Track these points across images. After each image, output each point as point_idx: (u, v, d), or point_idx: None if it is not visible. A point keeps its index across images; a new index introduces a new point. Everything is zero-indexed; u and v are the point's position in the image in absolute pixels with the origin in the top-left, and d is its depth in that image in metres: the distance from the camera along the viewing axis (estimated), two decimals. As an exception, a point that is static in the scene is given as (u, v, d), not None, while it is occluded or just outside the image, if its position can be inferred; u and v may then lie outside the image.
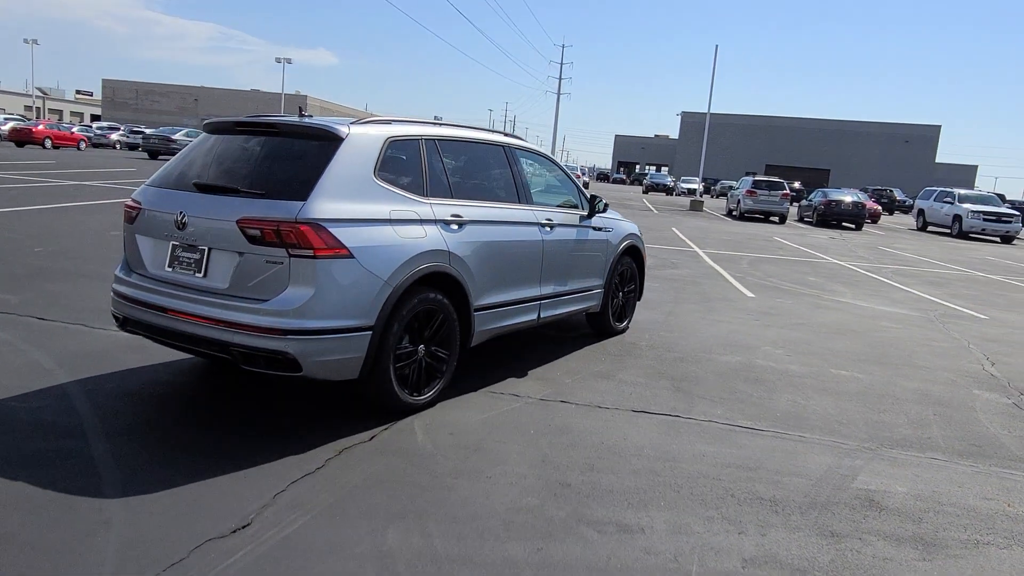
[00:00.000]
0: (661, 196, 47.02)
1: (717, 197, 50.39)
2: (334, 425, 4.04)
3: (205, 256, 3.83)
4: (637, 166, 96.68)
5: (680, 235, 18.29)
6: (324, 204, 3.71)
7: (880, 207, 35.86)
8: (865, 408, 5.06)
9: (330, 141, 3.95)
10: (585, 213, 5.95)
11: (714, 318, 7.88)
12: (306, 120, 4.15)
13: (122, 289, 4.16)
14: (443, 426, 4.14)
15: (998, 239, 27.29)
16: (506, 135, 5.47)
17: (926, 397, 5.44)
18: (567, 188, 5.97)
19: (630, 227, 6.75)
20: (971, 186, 57.43)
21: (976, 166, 76.04)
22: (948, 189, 30.49)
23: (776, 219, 28.71)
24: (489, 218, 4.76)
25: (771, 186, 28.67)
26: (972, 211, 27.29)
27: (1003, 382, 6.05)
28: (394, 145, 4.25)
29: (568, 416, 4.45)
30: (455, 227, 4.43)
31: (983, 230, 27.11)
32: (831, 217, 28.12)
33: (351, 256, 3.73)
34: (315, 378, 3.75)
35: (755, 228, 23.60)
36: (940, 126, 66.93)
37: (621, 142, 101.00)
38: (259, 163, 4.04)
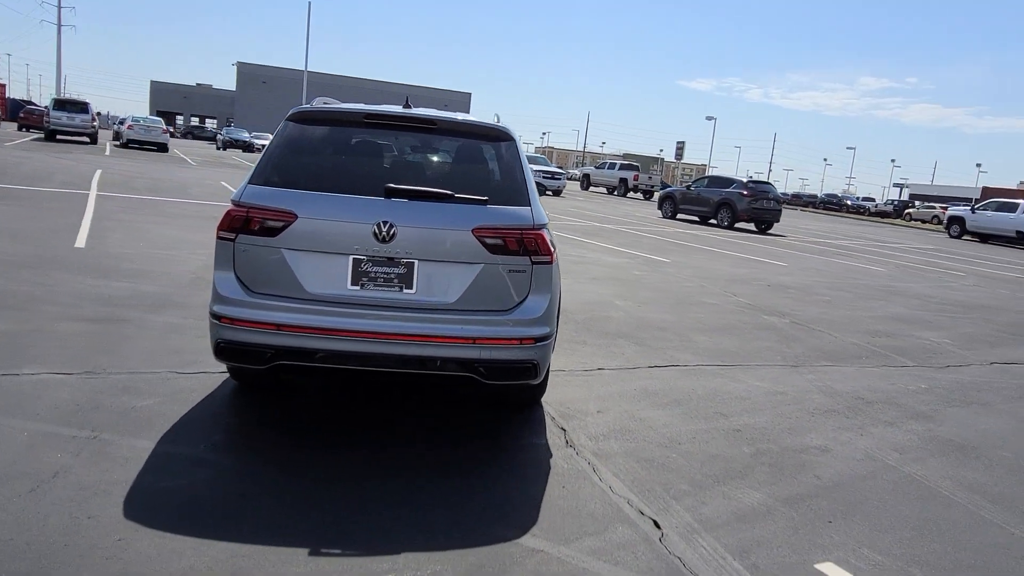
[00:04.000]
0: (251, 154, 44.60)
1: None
2: (501, 423, 4.06)
3: (414, 269, 3.43)
4: (180, 116, 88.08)
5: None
6: (539, 208, 3.70)
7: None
8: (786, 341, 6.81)
9: (509, 142, 3.88)
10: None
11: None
12: (469, 118, 3.91)
13: (259, 315, 3.36)
14: (594, 404, 4.46)
15: (551, 192, 33.66)
16: None
17: (763, 324, 7.47)
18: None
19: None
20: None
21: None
22: (510, 151, 36.16)
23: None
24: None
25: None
26: (535, 171, 33.04)
27: (760, 308, 8.54)
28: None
29: (686, 379, 5.11)
30: (545, 222, 4.63)
31: (526, 189, 33.11)
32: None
33: (554, 260, 3.80)
34: (535, 383, 3.77)
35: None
36: (471, 93, 77.49)
37: (159, 89, 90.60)
38: (444, 165, 3.71)
